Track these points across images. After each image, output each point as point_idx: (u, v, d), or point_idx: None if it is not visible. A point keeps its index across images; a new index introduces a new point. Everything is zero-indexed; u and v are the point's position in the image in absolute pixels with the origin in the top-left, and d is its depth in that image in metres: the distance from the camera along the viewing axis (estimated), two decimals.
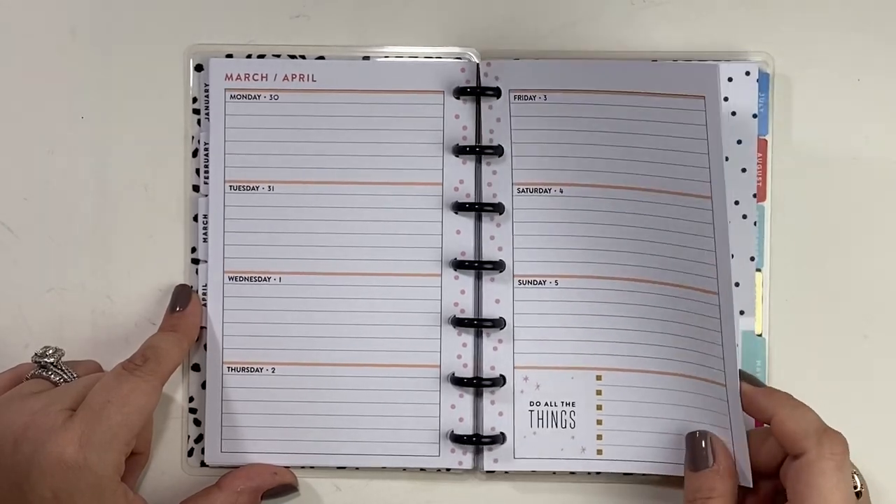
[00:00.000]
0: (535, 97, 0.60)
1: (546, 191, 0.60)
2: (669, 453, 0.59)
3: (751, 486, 0.57)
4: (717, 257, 0.56)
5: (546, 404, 0.60)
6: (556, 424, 0.60)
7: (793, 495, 0.53)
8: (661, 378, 0.59)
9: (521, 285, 0.60)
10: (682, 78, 0.56)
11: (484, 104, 0.61)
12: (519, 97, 0.60)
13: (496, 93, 0.60)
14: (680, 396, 0.59)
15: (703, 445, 0.57)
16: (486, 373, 0.61)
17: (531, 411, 0.60)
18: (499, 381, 0.60)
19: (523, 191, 0.60)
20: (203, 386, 0.62)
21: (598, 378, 0.60)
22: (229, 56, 0.62)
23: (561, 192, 0.60)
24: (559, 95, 0.59)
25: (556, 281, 0.60)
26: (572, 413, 0.60)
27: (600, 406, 0.60)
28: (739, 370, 0.57)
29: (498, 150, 0.60)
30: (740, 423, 0.57)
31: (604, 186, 0.59)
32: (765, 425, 0.59)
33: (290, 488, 0.62)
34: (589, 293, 0.60)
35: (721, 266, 0.56)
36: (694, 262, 0.57)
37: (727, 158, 0.60)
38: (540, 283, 0.60)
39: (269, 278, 0.62)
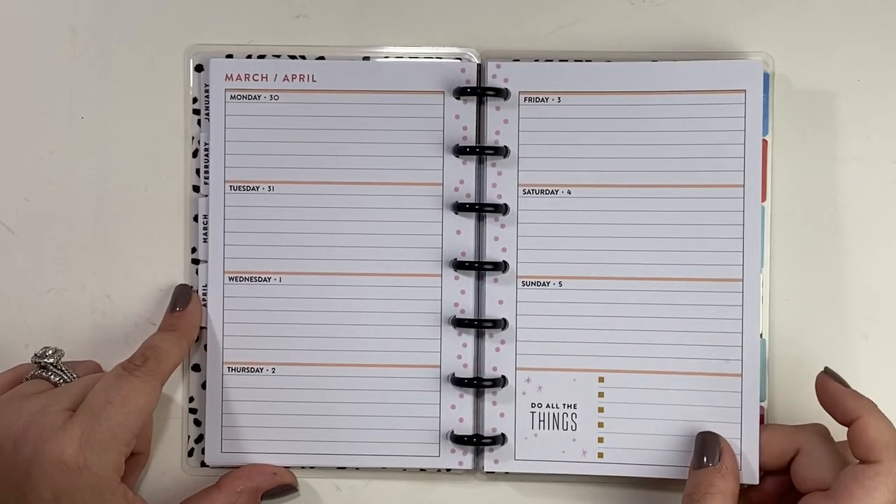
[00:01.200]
0: (547, 99, 0.60)
1: (553, 192, 0.60)
2: (671, 456, 0.59)
3: (757, 482, 0.57)
4: (746, 243, 0.58)
5: (548, 406, 0.60)
6: (558, 426, 0.60)
7: (844, 495, 0.53)
8: (666, 378, 0.59)
9: (525, 286, 0.60)
10: (724, 75, 0.59)
11: (490, 105, 0.61)
12: (529, 99, 0.60)
13: (502, 94, 0.60)
14: (685, 396, 0.59)
15: (711, 445, 0.57)
16: (488, 373, 0.61)
17: (532, 413, 0.60)
18: (499, 382, 0.60)
19: (529, 192, 0.60)
20: (203, 386, 0.62)
21: (601, 380, 0.60)
22: (229, 56, 0.62)
23: (569, 192, 0.60)
24: (576, 98, 0.60)
25: (559, 282, 0.60)
26: (574, 415, 0.60)
27: (602, 408, 0.60)
28: (826, 367, 0.57)
29: (501, 151, 0.60)
30: (753, 416, 0.58)
31: (618, 186, 0.60)
32: (767, 423, 0.59)
33: (289, 488, 0.62)
34: (593, 294, 0.60)
35: (749, 252, 0.58)
36: (718, 252, 0.59)
37: None
38: (543, 284, 0.60)
39: (269, 278, 0.61)
